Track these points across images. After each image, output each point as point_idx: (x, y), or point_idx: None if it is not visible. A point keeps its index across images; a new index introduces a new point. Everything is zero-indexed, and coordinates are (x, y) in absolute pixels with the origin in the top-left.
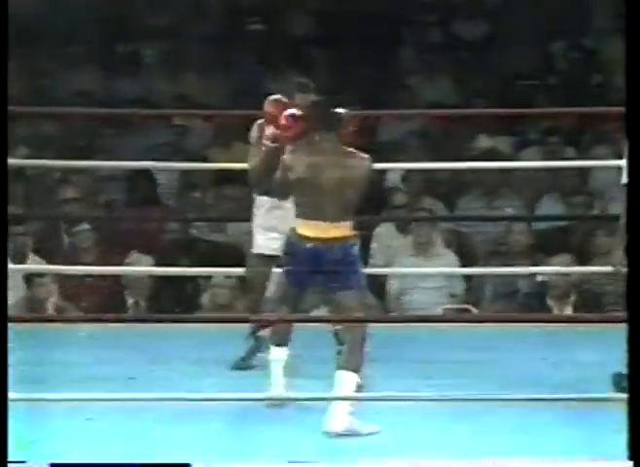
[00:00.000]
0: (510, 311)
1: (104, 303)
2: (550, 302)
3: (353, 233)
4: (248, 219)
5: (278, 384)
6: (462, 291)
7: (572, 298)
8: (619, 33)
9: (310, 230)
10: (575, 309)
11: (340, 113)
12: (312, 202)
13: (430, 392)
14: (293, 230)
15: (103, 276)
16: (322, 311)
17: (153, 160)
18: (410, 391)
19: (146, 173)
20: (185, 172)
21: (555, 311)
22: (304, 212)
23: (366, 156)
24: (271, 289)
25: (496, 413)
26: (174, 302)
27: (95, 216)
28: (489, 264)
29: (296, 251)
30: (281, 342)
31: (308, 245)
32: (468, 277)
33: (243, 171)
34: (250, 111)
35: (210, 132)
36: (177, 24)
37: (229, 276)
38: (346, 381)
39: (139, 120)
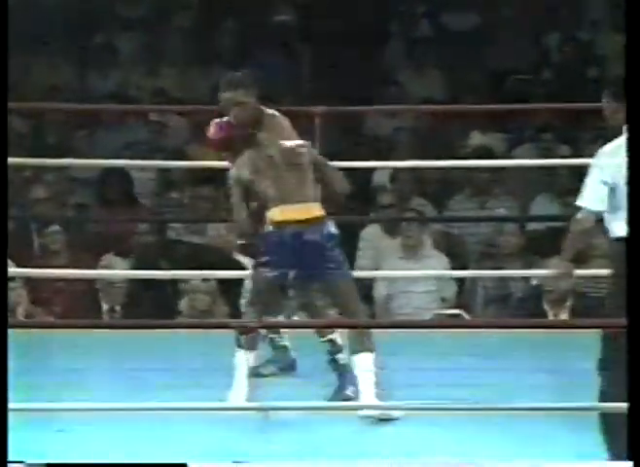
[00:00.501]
0: (503, 316)
1: (78, 308)
2: (545, 306)
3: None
4: (228, 220)
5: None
6: (453, 295)
7: (568, 303)
8: (614, 24)
9: (287, 213)
10: (572, 315)
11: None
12: (277, 187)
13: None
14: (269, 221)
15: (76, 280)
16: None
17: (129, 158)
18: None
19: (121, 172)
20: (163, 171)
21: (551, 317)
22: (274, 198)
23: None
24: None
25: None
26: (151, 307)
27: (67, 217)
28: (481, 266)
29: (277, 240)
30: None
31: (289, 230)
32: (459, 281)
33: (224, 170)
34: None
35: (189, 129)
36: (154, 15)
37: (207, 280)
38: (366, 363)
39: (114, 116)
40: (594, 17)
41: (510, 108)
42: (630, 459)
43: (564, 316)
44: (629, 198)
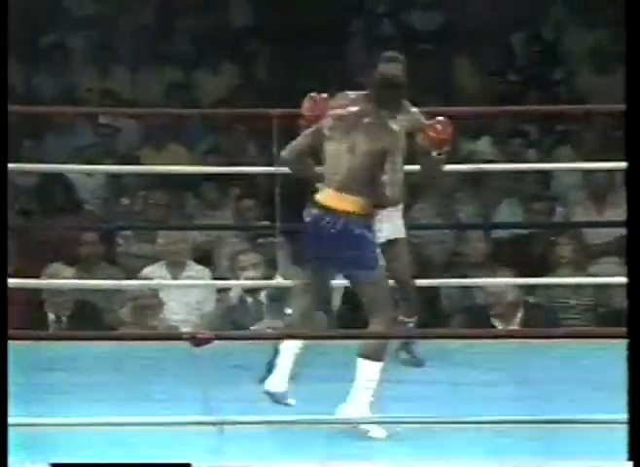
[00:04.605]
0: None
1: (23, 319)
2: (493, 319)
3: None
4: (181, 227)
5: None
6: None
7: (519, 314)
8: (580, 24)
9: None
10: (523, 326)
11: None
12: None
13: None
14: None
15: (20, 290)
16: None
17: (77, 162)
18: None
19: (67, 178)
20: (112, 176)
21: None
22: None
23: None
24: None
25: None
26: (97, 317)
27: (10, 225)
28: (444, 276)
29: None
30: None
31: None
32: (421, 291)
33: (177, 175)
34: (184, 109)
35: (141, 132)
36: (106, 14)
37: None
38: (368, 371)
39: (62, 118)
40: (559, 16)
41: (475, 111)
42: (630, 459)
43: (515, 326)
44: (629, 198)
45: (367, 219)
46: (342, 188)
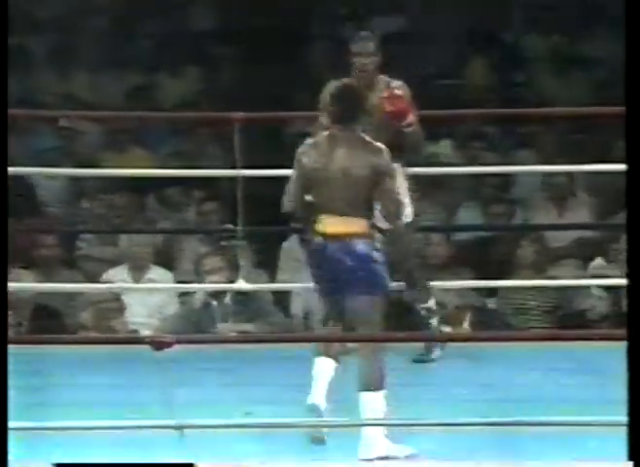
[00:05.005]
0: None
1: None
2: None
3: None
4: (143, 230)
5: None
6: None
7: (467, 318)
8: (539, 29)
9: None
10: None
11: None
12: (329, 195)
13: None
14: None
15: None
16: None
17: (37, 165)
18: None
19: (28, 180)
20: (73, 179)
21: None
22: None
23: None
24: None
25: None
26: (58, 321)
27: None
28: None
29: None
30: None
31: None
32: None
33: (139, 178)
34: (146, 113)
35: (103, 136)
36: (67, 17)
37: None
38: (371, 403)
39: (22, 121)
40: (519, 21)
41: (439, 115)
42: (630, 459)
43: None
44: (629, 198)
45: (371, 238)
46: (340, 212)
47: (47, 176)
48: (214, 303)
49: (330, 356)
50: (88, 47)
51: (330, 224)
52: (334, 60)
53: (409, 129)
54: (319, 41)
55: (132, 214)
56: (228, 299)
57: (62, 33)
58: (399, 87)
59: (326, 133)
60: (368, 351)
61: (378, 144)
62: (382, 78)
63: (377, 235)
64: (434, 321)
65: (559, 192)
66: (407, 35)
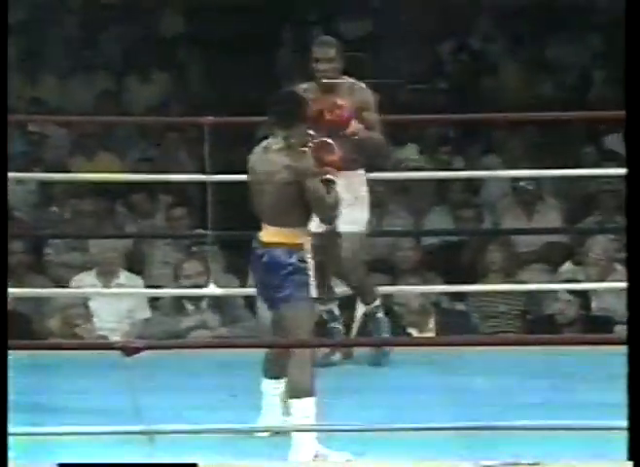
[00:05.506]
0: None
1: None
2: (407, 327)
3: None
4: (112, 235)
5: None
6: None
7: (431, 321)
8: (506, 33)
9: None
10: (438, 332)
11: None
12: (261, 204)
13: None
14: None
15: None
16: None
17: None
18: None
19: None
20: (42, 184)
21: (416, 334)
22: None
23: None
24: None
25: None
26: (26, 327)
27: None
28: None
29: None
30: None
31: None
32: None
33: (107, 183)
34: (115, 117)
35: (71, 140)
36: (34, 21)
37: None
38: (301, 410)
39: None
40: (487, 25)
41: (405, 119)
42: (630, 459)
43: (430, 333)
44: (629, 198)
45: (296, 248)
46: (270, 221)
47: (15, 181)
48: (191, 307)
49: (273, 376)
50: (56, 51)
51: (263, 232)
52: (303, 65)
53: (357, 137)
54: (288, 45)
55: (101, 219)
56: (204, 303)
57: (30, 37)
58: (361, 89)
59: (266, 141)
60: (296, 360)
61: (302, 148)
62: (346, 82)
63: (308, 245)
64: (338, 326)
65: (528, 196)
66: (374, 40)
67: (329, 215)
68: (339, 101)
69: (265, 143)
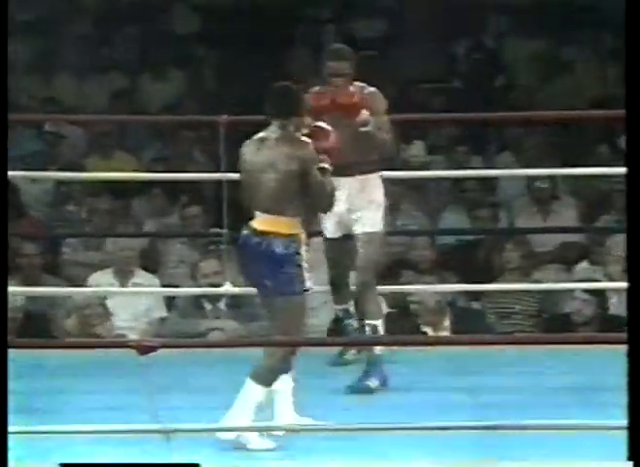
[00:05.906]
0: None
1: None
2: (422, 326)
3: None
4: (128, 234)
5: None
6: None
7: (447, 320)
8: (519, 32)
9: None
10: (453, 331)
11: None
12: (257, 193)
13: None
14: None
15: None
16: None
17: (22, 169)
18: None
19: (12, 184)
20: (58, 183)
21: (431, 333)
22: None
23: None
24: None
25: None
26: (44, 327)
27: None
28: (390, 282)
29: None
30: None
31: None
32: None
33: (123, 182)
34: (130, 116)
35: (87, 140)
36: (49, 20)
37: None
38: (251, 392)
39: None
40: (499, 25)
41: (423, 118)
42: (630, 459)
43: (445, 333)
44: (629, 198)
45: (292, 238)
46: (267, 209)
47: (30, 180)
48: (209, 306)
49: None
50: (71, 50)
51: (257, 220)
52: (317, 63)
53: (366, 129)
54: (303, 44)
55: (117, 218)
56: (222, 303)
57: (45, 36)
58: (371, 93)
59: (262, 132)
60: (275, 349)
61: (303, 139)
62: (357, 85)
63: (303, 236)
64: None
65: (543, 195)
66: (389, 39)
67: (327, 203)
68: (351, 88)
69: (259, 135)
